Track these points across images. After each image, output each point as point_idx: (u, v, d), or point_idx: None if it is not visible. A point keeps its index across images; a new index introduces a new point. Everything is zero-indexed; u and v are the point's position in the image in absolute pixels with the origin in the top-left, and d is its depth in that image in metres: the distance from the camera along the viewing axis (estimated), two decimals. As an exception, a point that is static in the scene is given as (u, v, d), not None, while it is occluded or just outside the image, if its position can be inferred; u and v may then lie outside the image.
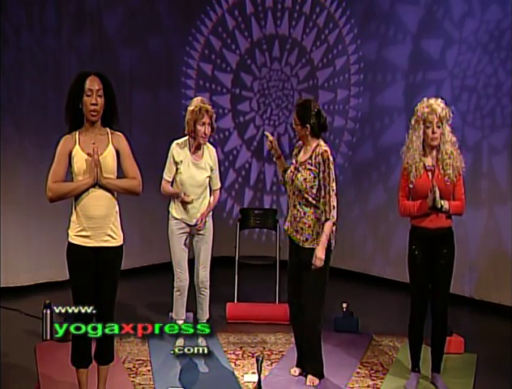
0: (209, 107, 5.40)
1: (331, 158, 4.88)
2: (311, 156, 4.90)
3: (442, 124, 4.70)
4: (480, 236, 7.06)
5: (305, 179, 4.89)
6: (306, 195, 4.88)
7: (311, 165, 4.88)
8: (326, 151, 4.88)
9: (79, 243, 4.18)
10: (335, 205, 4.85)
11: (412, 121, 4.78)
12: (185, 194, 5.43)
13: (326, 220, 4.82)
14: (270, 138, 5.16)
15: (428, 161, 4.76)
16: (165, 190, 5.51)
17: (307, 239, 4.91)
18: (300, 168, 4.93)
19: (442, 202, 4.67)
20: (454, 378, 5.13)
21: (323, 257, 4.83)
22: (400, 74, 7.81)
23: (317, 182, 4.87)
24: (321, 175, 4.85)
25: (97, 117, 4.16)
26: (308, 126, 4.92)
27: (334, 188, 4.86)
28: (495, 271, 6.94)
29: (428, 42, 7.51)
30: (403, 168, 4.82)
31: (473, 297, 7.10)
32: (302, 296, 4.99)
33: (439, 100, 4.76)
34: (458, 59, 7.23)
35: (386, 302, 7.31)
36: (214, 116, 5.44)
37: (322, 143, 4.96)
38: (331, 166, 4.86)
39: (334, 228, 4.91)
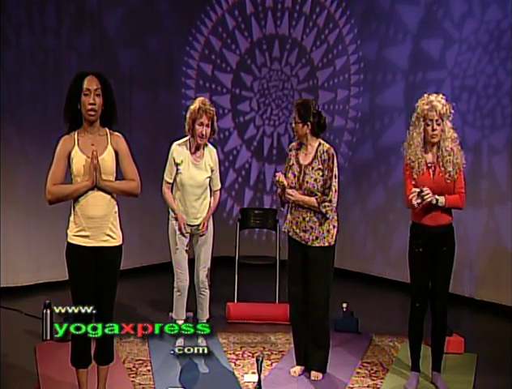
0: (209, 108, 5.38)
1: (335, 154, 4.97)
2: (316, 156, 4.93)
3: (443, 121, 4.70)
4: (480, 236, 7.06)
5: (315, 180, 4.93)
6: (321, 195, 4.92)
7: (318, 164, 4.92)
8: (330, 148, 4.97)
9: (78, 243, 4.18)
10: (332, 200, 4.90)
11: (413, 118, 4.78)
12: (184, 223, 5.45)
13: (320, 202, 4.88)
14: (280, 176, 5.03)
15: (429, 158, 4.77)
16: (168, 200, 5.51)
17: (317, 237, 4.95)
18: (307, 171, 4.95)
19: (437, 197, 4.67)
20: (454, 377, 5.13)
21: (290, 196, 4.93)
22: (400, 74, 7.81)
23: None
24: (325, 172, 4.88)
25: (95, 116, 4.15)
26: (309, 123, 4.95)
27: (336, 185, 4.91)
28: (495, 271, 6.94)
29: (428, 42, 7.51)
30: (404, 163, 4.81)
31: (473, 297, 7.11)
32: (309, 294, 5.01)
33: (440, 96, 4.75)
34: (458, 59, 7.23)
35: (386, 302, 7.31)
36: (214, 118, 5.42)
37: (323, 141, 5.00)
38: (335, 164, 4.93)
39: (336, 224, 4.96)
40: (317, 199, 4.91)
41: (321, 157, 4.93)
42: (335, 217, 4.99)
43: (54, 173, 4.15)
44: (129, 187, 4.23)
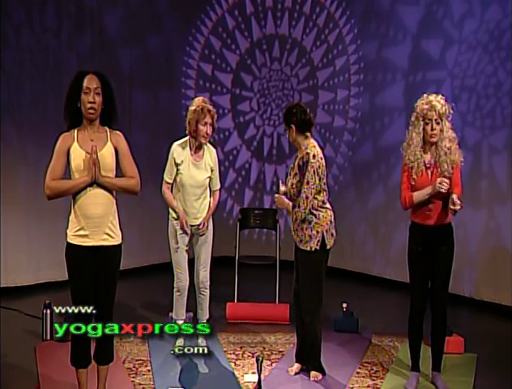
0: (211, 107, 5.42)
1: (313, 161, 4.87)
2: (298, 162, 4.94)
3: (442, 120, 4.71)
4: (480, 236, 7.06)
5: (292, 184, 4.94)
6: (296, 200, 4.91)
7: (297, 170, 4.92)
8: (307, 153, 4.90)
9: (78, 243, 4.17)
10: (301, 206, 4.88)
11: (412, 118, 4.78)
12: (186, 222, 5.45)
13: (293, 207, 4.94)
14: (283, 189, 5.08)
15: (428, 158, 4.77)
16: (168, 200, 5.50)
17: (301, 240, 4.97)
18: (291, 176, 4.97)
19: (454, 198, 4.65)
20: (454, 377, 5.13)
21: (279, 201, 5.07)
22: (400, 74, 7.81)
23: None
24: (301, 178, 4.89)
25: (95, 115, 4.16)
26: (292, 125, 4.95)
27: (309, 192, 4.87)
28: (495, 271, 6.94)
29: (428, 42, 7.51)
30: (403, 163, 4.81)
31: (473, 297, 7.10)
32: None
33: (439, 96, 4.76)
34: (458, 59, 7.23)
35: (386, 302, 7.31)
36: (215, 116, 5.45)
37: (311, 144, 4.96)
38: (310, 170, 4.86)
39: (321, 229, 4.94)
40: (292, 204, 4.96)
41: (298, 163, 4.93)
42: (321, 222, 4.95)
43: (53, 168, 4.15)
44: (128, 184, 4.23)
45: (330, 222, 5.00)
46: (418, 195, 4.71)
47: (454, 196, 4.56)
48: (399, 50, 7.79)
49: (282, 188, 5.06)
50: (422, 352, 5.00)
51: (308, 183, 4.87)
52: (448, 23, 7.31)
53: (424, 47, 7.55)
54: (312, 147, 4.95)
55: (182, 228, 5.46)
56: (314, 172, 4.87)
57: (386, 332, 6.15)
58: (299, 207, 4.89)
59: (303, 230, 4.94)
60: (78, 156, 4.14)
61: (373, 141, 8.14)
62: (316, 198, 4.93)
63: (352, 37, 8.28)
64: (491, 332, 6.33)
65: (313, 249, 4.93)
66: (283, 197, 5.04)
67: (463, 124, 7.00)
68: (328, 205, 5.03)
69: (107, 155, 4.17)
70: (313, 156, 4.88)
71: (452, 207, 4.56)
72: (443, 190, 4.61)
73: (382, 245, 8.04)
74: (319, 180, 4.90)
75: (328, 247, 4.98)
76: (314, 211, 4.94)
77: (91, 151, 4.09)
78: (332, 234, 5.01)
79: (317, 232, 4.93)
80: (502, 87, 6.88)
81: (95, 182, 4.13)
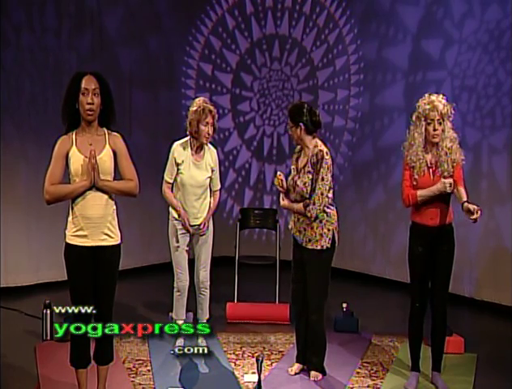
0: (212, 107, 5.42)
1: (327, 158, 4.89)
2: (309, 159, 4.92)
3: (443, 121, 4.71)
4: (480, 236, 7.06)
5: (304, 183, 4.92)
6: (309, 198, 4.90)
7: (309, 167, 4.91)
8: (321, 150, 4.90)
9: (76, 243, 4.18)
10: (316, 202, 4.85)
11: (414, 118, 4.78)
12: (188, 221, 5.44)
13: (306, 206, 4.87)
14: (280, 177, 5.08)
15: (429, 158, 4.77)
16: (169, 199, 5.50)
17: (310, 240, 4.94)
18: (301, 174, 4.95)
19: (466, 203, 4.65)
20: (454, 377, 5.13)
21: (284, 203, 5.03)
22: (400, 74, 7.81)
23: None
24: (314, 175, 4.87)
25: (93, 116, 4.15)
26: (301, 124, 4.93)
27: (324, 188, 4.86)
28: (495, 271, 6.94)
29: (428, 42, 7.51)
30: (405, 162, 4.81)
31: (473, 297, 7.10)
32: (306, 295, 5.01)
33: (440, 96, 4.76)
34: (458, 59, 7.23)
35: (386, 302, 7.31)
36: (216, 116, 5.45)
37: (319, 143, 4.97)
38: (324, 166, 4.86)
39: (331, 227, 4.93)
40: (304, 203, 4.91)
41: (311, 160, 4.92)
42: (332, 220, 4.95)
43: (52, 172, 4.15)
44: (127, 187, 4.23)
45: (338, 219, 5.01)
46: (422, 194, 4.71)
47: (470, 206, 4.55)
48: (399, 50, 7.79)
49: (280, 185, 5.08)
50: (422, 352, 5.00)
51: (323, 179, 4.87)
52: (448, 23, 7.31)
53: (424, 47, 7.55)
54: (320, 145, 4.97)
55: (184, 226, 5.46)
56: (328, 168, 4.88)
57: (386, 332, 6.15)
58: (314, 204, 4.87)
59: (313, 229, 4.92)
60: (76, 160, 4.14)
61: (373, 141, 8.13)
62: (327, 196, 4.93)
63: (352, 37, 8.27)
64: (491, 332, 6.33)
65: (324, 247, 4.92)
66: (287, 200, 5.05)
67: (463, 124, 6.99)
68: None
69: (105, 158, 4.17)
70: (326, 153, 4.91)
71: (472, 217, 4.56)
72: (449, 191, 4.62)
73: (382, 245, 8.04)
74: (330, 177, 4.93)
75: (337, 244, 5.00)
76: (326, 209, 4.94)
77: (90, 155, 4.09)
78: (339, 231, 5.02)
79: (329, 230, 4.93)
80: (502, 87, 6.89)
81: (94, 186, 4.13)
